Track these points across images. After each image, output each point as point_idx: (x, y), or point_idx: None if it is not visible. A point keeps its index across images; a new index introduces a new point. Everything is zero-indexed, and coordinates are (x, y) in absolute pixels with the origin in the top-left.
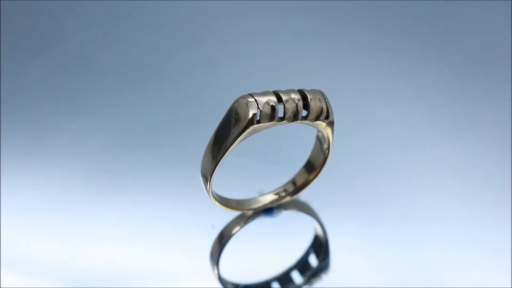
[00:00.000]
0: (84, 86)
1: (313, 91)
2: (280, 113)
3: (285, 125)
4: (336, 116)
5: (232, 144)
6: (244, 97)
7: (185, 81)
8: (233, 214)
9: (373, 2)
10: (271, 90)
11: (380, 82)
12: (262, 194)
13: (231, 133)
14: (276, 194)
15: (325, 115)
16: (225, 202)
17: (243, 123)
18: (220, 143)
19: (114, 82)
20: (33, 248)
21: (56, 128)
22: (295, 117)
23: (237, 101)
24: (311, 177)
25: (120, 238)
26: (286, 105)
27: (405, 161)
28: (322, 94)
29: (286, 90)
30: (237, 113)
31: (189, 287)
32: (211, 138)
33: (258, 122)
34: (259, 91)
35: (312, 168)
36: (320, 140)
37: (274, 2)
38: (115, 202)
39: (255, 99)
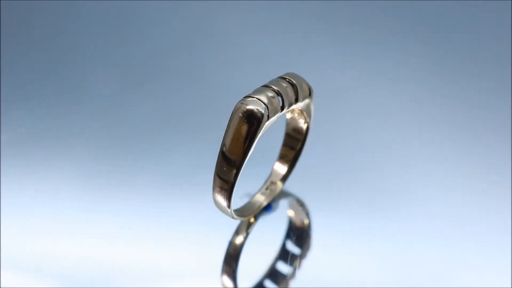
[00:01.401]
0: (88, 87)
1: (292, 75)
2: (280, 104)
3: None
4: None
5: (250, 149)
6: (244, 100)
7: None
8: (231, 225)
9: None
10: (259, 86)
11: (374, 77)
12: (254, 195)
13: (246, 138)
14: (266, 189)
15: (308, 92)
16: (241, 213)
17: (257, 123)
18: (236, 152)
19: (117, 83)
20: (38, 248)
21: (60, 126)
22: (291, 103)
23: (239, 106)
24: (298, 147)
25: (123, 238)
26: (283, 96)
27: (399, 157)
28: (298, 75)
29: (273, 82)
30: (246, 116)
31: (196, 287)
32: (220, 154)
33: (268, 118)
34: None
35: (295, 140)
36: (294, 116)
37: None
38: (119, 202)
39: (257, 98)
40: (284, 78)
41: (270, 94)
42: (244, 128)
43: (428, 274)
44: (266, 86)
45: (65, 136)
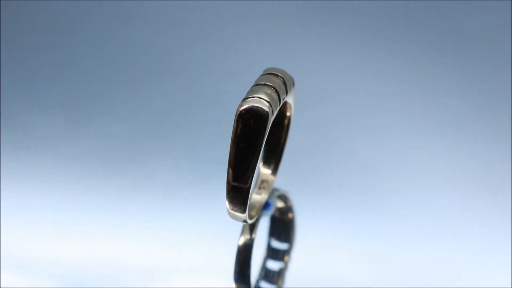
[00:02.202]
0: (90, 88)
1: (275, 69)
2: (278, 99)
3: None
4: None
5: (261, 149)
6: (245, 101)
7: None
8: (234, 225)
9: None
10: (252, 85)
11: (369, 75)
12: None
13: (255, 139)
14: (259, 188)
15: (292, 83)
16: (251, 216)
17: (265, 122)
18: (247, 155)
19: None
20: (38, 248)
21: (61, 126)
22: (283, 97)
23: (242, 107)
24: (282, 139)
25: (126, 239)
26: (278, 91)
27: (394, 156)
28: (279, 68)
29: (263, 78)
30: (252, 116)
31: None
32: (230, 160)
33: (273, 114)
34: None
35: (277, 133)
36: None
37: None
38: (123, 204)
39: (257, 97)
40: (272, 73)
41: (268, 90)
42: (252, 128)
43: (427, 274)
44: (260, 84)
45: (65, 136)
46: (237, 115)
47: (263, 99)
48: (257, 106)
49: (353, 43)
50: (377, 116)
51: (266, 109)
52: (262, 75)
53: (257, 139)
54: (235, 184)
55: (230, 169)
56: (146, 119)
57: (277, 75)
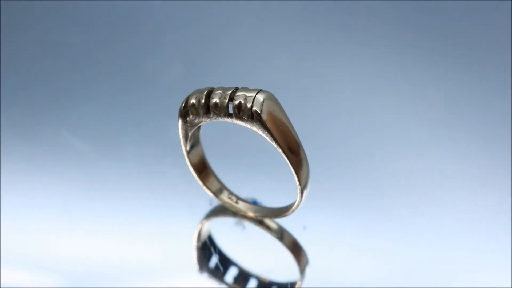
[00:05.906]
0: (87, 83)
1: (207, 87)
2: None
3: None
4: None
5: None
6: (258, 96)
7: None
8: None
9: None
10: (223, 96)
11: (373, 78)
12: (237, 200)
13: (284, 116)
14: (237, 202)
15: None
16: (277, 211)
17: (277, 100)
18: (293, 143)
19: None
20: (33, 247)
21: (58, 125)
22: None
23: (256, 109)
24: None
25: (124, 237)
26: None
27: (397, 157)
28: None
29: (224, 88)
30: (271, 106)
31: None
32: (288, 153)
33: None
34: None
35: (199, 149)
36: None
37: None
38: (118, 202)
39: (256, 94)
40: (211, 88)
41: (244, 89)
42: (277, 113)
43: (428, 275)
44: (238, 89)
45: (62, 134)
46: (257, 116)
47: (257, 92)
48: (264, 99)
49: (355, 42)
50: (379, 115)
51: (269, 92)
52: (215, 89)
53: (284, 116)
54: (301, 169)
55: (296, 162)
56: (144, 113)
57: (213, 87)
